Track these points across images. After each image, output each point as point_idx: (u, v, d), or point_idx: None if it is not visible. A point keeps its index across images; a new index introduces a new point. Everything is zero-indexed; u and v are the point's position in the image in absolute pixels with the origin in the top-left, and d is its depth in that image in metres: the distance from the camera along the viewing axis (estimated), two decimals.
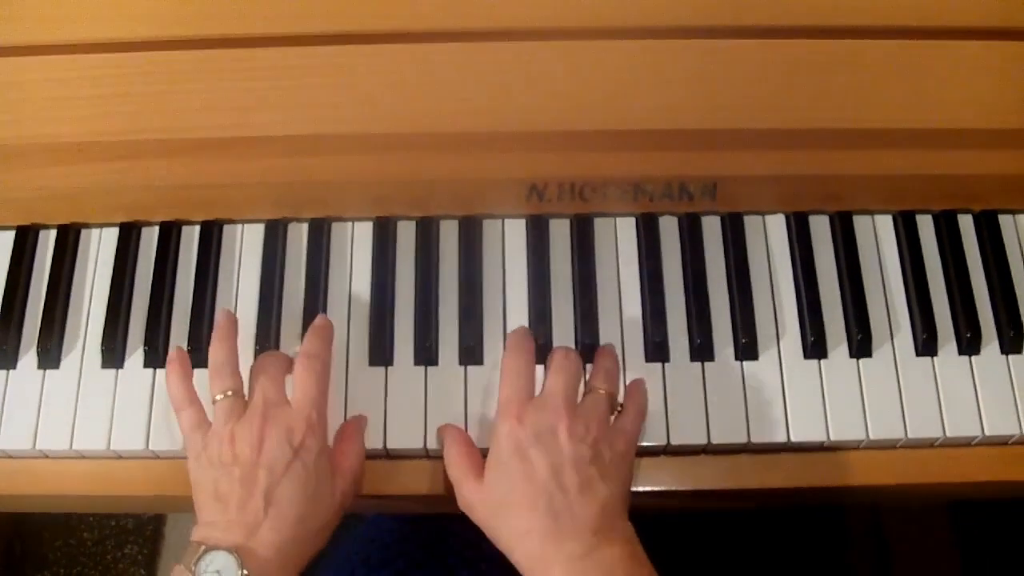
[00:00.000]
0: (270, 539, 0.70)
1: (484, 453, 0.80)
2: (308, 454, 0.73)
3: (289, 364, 0.79)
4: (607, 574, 0.69)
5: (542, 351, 0.82)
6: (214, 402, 0.76)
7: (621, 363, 0.82)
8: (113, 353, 0.83)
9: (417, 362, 0.83)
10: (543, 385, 0.76)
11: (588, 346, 0.83)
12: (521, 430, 0.72)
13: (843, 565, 1.37)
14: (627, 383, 0.81)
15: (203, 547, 0.69)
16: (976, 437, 0.81)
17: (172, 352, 0.80)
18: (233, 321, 0.81)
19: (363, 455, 0.78)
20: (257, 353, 0.83)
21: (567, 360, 0.76)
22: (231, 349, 0.79)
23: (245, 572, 0.68)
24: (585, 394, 0.76)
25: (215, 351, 0.78)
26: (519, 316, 0.84)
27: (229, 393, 0.76)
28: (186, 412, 0.77)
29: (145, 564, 1.61)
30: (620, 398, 0.79)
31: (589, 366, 0.81)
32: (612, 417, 0.77)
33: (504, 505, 0.72)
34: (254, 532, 0.70)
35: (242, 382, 0.77)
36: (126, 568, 1.61)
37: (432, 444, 0.80)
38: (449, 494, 0.79)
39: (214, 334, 0.80)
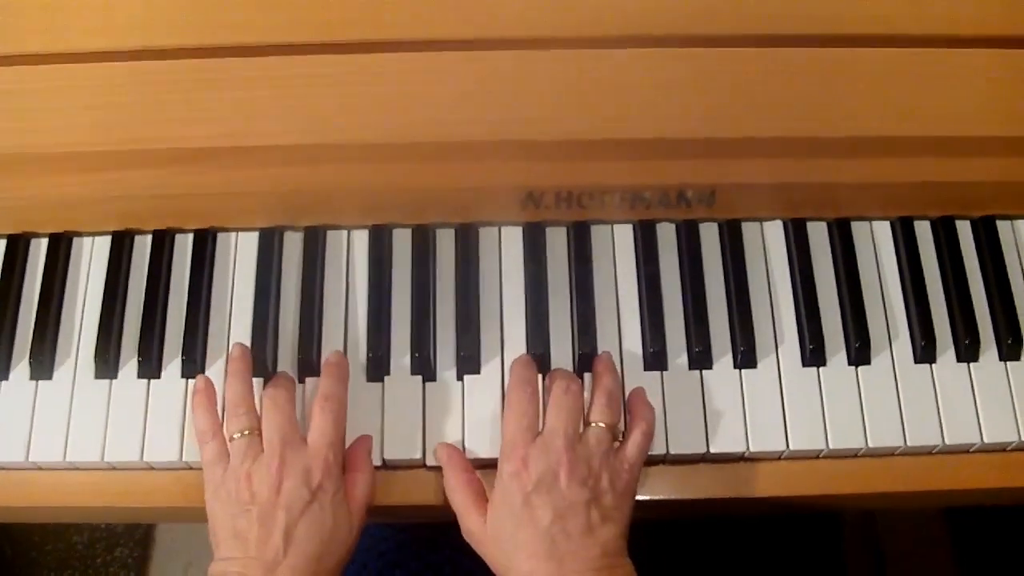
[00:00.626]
0: None
1: (482, 464, 0.80)
2: (325, 495, 0.73)
3: (294, 389, 0.79)
4: None
5: (540, 361, 0.82)
6: (231, 441, 0.76)
7: (619, 372, 0.81)
8: (107, 363, 0.83)
9: (414, 372, 0.82)
10: (543, 421, 0.76)
11: (586, 355, 0.82)
12: (526, 475, 0.73)
13: (838, 570, 1.37)
14: (629, 396, 0.81)
15: None
16: (975, 444, 0.81)
17: (198, 383, 0.80)
18: (247, 355, 0.81)
19: (372, 483, 0.78)
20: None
21: (567, 396, 0.76)
22: (247, 385, 0.79)
23: None
24: (585, 428, 0.76)
25: (231, 388, 0.78)
26: (516, 325, 0.84)
27: (245, 432, 0.76)
28: (210, 445, 0.77)
29: (135, 568, 1.60)
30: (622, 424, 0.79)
31: (588, 376, 0.81)
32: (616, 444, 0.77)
33: (508, 545, 0.73)
34: (272, 570, 0.71)
35: (258, 419, 0.77)
36: (116, 572, 1.59)
37: (431, 457, 0.80)
38: (446, 505, 0.79)
39: (229, 368, 0.80)
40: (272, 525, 0.71)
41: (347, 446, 0.79)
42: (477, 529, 0.75)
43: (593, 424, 0.76)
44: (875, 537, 1.39)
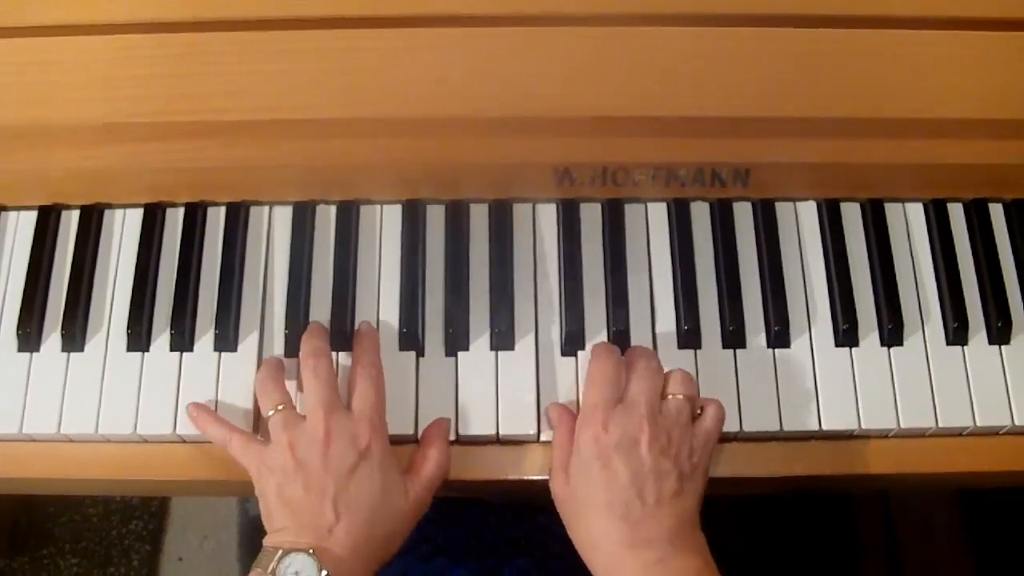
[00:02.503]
0: (344, 540, 0.71)
1: (511, 441, 0.80)
2: (374, 457, 0.73)
3: (330, 353, 0.79)
4: None
5: (574, 338, 0.82)
6: (267, 418, 0.76)
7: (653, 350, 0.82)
8: (139, 336, 0.82)
9: (447, 345, 0.82)
10: (625, 390, 0.76)
11: (620, 332, 0.82)
12: (605, 438, 0.73)
13: (852, 551, 1.37)
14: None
15: (280, 551, 0.70)
16: (1005, 426, 0.81)
17: (191, 410, 0.80)
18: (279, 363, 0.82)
19: (444, 463, 0.78)
20: (287, 337, 0.82)
21: (651, 367, 0.76)
22: (276, 367, 0.79)
23: (325, 571, 0.69)
24: (665, 399, 0.76)
25: (261, 371, 0.79)
26: (550, 301, 0.84)
27: (280, 407, 0.76)
28: (234, 440, 0.77)
29: (150, 540, 1.60)
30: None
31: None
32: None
33: (584, 507, 0.73)
34: (328, 534, 0.71)
35: (290, 396, 0.77)
36: (131, 544, 1.60)
37: (463, 429, 0.80)
38: (465, 480, 0.80)
39: (266, 360, 0.81)
40: (322, 491, 0.71)
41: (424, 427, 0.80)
42: (559, 490, 0.76)
43: (672, 396, 0.76)
44: (889, 519, 1.39)
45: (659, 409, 0.75)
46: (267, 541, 0.72)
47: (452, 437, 0.80)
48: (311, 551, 0.69)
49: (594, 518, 0.72)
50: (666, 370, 0.78)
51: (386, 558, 0.75)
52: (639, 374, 0.76)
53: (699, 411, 0.77)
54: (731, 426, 0.80)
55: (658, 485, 0.72)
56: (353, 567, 0.71)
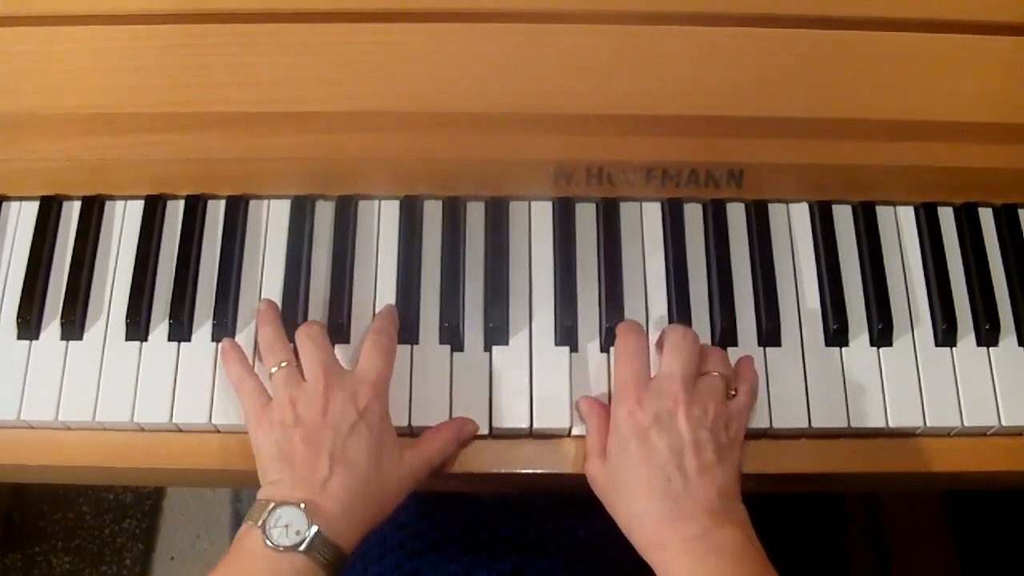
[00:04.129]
0: (337, 494, 0.71)
1: (505, 435, 0.81)
2: (373, 416, 0.74)
3: (325, 329, 0.80)
4: (722, 555, 0.70)
5: (567, 334, 0.83)
6: (271, 376, 0.77)
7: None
8: (137, 326, 0.83)
9: (442, 341, 0.83)
10: (659, 366, 0.77)
11: (613, 329, 0.83)
12: (641, 413, 0.73)
13: (840, 553, 1.38)
14: (737, 361, 0.82)
15: (271, 503, 0.70)
16: (992, 427, 0.82)
17: (224, 344, 0.82)
18: (275, 306, 0.83)
19: (447, 452, 0.79)
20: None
21: (684, 340, 0.77)
22: (277, 327, 0.80)
23: (315, 526, 0.69)
24: (701, 376, 0.77)
25: (263, 332, 0.80)
26: (545, 298, 0.85)
27: (283, 364, 0.77)
28: (247, 384, 0.78)
29: (143, 538, 1.61)
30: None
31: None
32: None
33: (624, 486, 0.74)
34: (321, 488, 0.71)
35: (294, 355, 0.78)
36: (124, 542, 1.61)
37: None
38: (466, 473, 0.81)
39: (259, 318, 0.82)
40: (319, 445, 0.72)
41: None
42: (597, 472, 0.76)
43: (709, 373, 0.77)
44: (878, 521, 1.40)
45: (694, 383, 0.75)
46: (260, 494, 0.73)
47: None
48: (302, 505, 0.69)
49: (635, 496, 0.73)
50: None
51: (374, 523, 0.74)
52: (673, 347, 0.77)
53: (733, 392, 0.78)
54: None
55: (698, 455, 0.72)
56: (342, 524, 0.71)
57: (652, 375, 0.78)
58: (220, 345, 0.82)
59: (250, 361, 0.82)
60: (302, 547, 0.68)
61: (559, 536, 0.95)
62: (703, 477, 0.71)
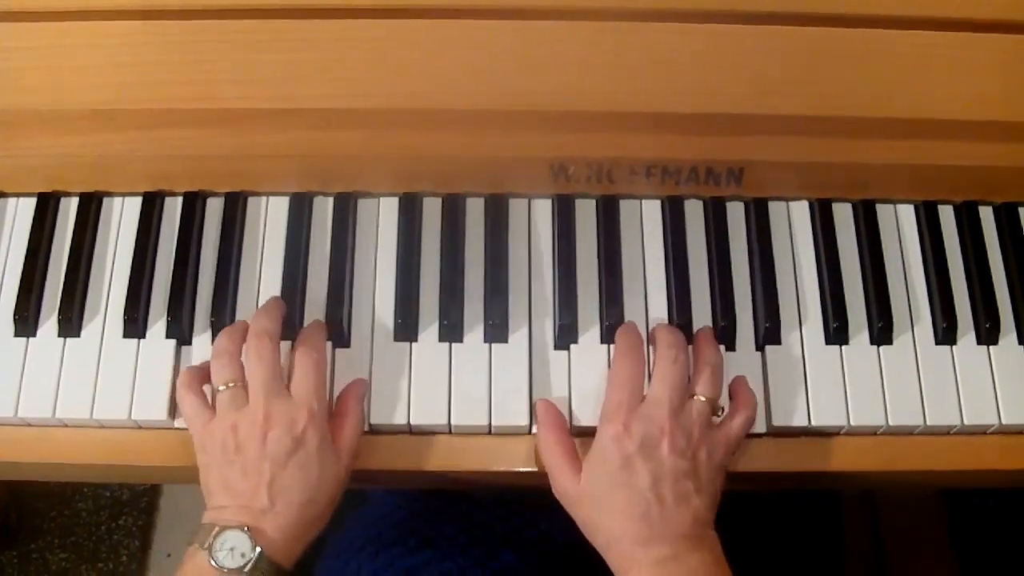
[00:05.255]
0: (277, 522, 0.73)
1: (508, 432, 0.81)
2: (310, 443, 0.75)
3: (278, 338, 0.79)
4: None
5: (568, 332, 0.82)
6: (216, 392, 0.77)
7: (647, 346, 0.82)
8: (135, 323, 0.83)
9: (442, 339, 0.83)
10: (649, 388, 0.77)
11: (612, 327, 0.83)
12: (627, 439, 0.74)
13: (837, 550, 1.38)
14: (732, 381, 0.82)
15: (216, 527, 0.72)
16: (992, 426, 0.82)
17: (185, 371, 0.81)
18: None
19: (359, 428, 0.80)
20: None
21: (675, 367, 0.77)
22: (237, 339, 0.79)
23: (258, 548, 0.72)
24: (688, 400, 0.77)
25: (222, 338, 0.79)
26: (544, 295, 0.85)
27: (230, 384, 0.77)
28: (187, 399, 0.78)
29: (140, 535, 1.61)
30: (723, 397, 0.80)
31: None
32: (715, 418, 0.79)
33: (601, 505, 0.75)
34: (263, 516, 0.73)
35: (243, 371, 0.77)
36: (121, 539, 1.60)
37: (456, 420, 0.81)
38: (464, 471, 0.81)
39: (232, 325, 0.81)
40: (258, 476, 0.73)
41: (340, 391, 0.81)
42: (571, 488, 0.76)
43: (696, 397, 0.77)
44: (875, 518, 1.40)
45: (681, 409, 0.76)
46: (205, 517, 0.75)
47: (443, 421, 0.81)
48: (246, 528, 0.72)
49: (610, 518, 0.74)
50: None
51: (317, 529, 0.77)
52: (663, 374, 0.77)
53: (721, 410, 0.78)
54: None
55: (677, 485, 0.73)
56: (284, 545, 0.74)
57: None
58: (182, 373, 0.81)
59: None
60: (247, 568, 0.71)
61: (554, 534, 0.96)
62: (680, 505, 0.73)
